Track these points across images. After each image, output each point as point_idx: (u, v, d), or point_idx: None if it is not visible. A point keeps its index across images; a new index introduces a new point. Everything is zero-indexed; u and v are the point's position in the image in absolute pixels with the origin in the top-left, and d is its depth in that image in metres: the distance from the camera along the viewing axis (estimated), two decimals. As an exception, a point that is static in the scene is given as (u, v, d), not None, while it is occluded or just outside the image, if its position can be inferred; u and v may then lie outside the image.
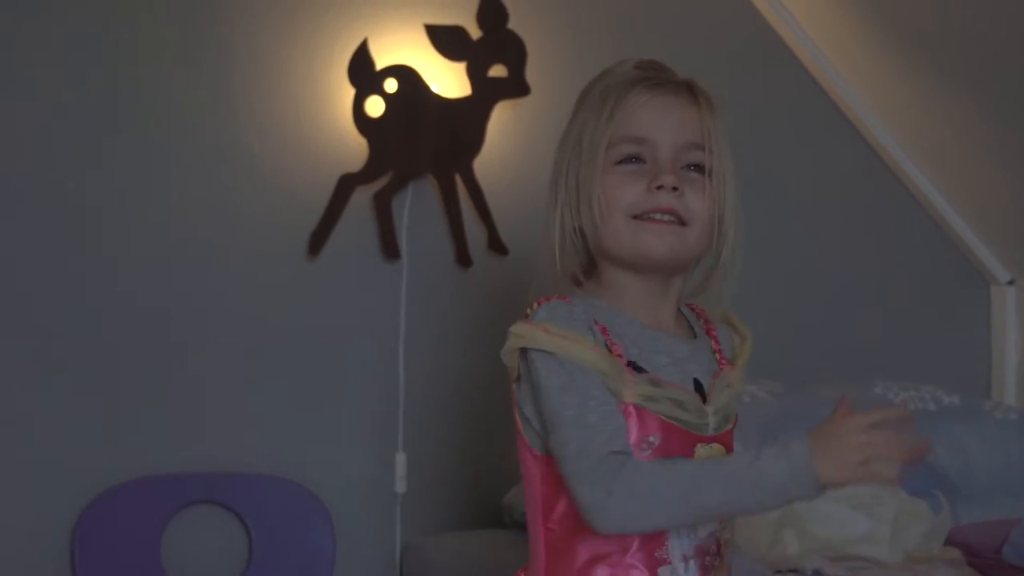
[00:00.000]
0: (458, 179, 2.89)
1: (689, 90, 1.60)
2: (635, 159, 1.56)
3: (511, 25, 2.91)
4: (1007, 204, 3.18)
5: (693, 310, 1.67)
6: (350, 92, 2.81)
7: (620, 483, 1.43)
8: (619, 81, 1.59)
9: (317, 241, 2.80)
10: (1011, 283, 3.32)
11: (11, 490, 2.60)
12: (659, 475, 1.43)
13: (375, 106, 2.81)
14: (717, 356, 1.61)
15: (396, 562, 2.86)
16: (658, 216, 1.54)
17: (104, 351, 2.67)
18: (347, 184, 2.81)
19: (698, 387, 1.56)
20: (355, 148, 2.82)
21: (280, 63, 2.79)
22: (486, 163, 2.91)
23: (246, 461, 2.76)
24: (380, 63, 2.82)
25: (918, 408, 2.82)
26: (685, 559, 1.50)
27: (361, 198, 2.84)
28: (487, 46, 2.89)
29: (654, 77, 1.59)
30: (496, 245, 2.93)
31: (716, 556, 1.53)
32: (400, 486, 2.86)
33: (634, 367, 1.52)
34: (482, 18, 2.89)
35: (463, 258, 2.90)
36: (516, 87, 2.91)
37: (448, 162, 2.87)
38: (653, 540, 1.50)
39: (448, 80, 2.88)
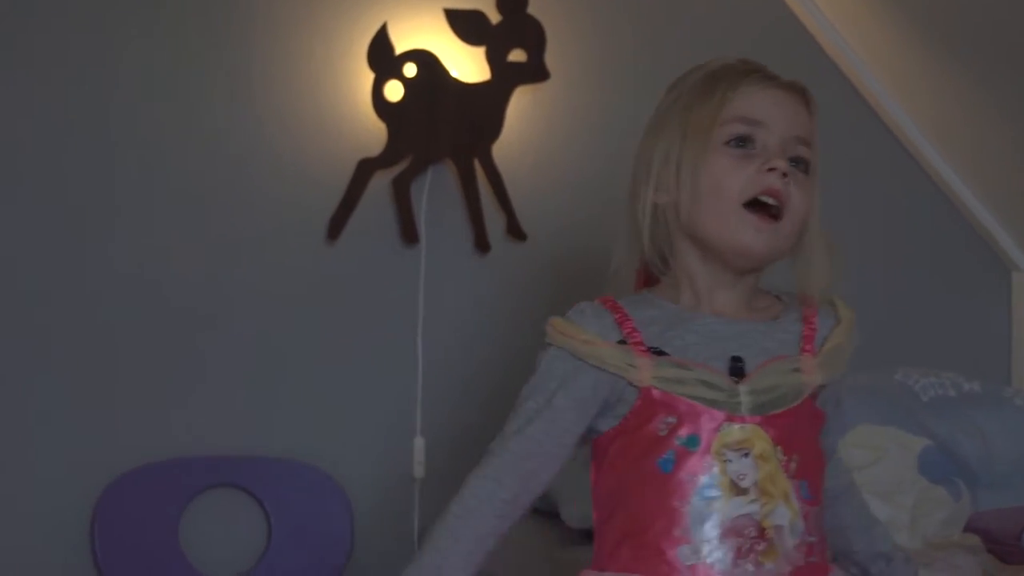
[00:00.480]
0: (477, 164, 2.88)
1: (798, 89, 1.60)
2: (745, 140, 1.55)
3: (530, 10, 2.90)
4: (1028, 190, 3.17)
5: (800, 298, 1.65)
6: (369, 77, 2.80)
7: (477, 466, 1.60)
8: (726, 69, 1.59)
9: (336, 226, 2.80)
10: (1032, 270, 3.31)
11: (31, 474, 2.61)
12: (460, 505, 1.60)
13: (394, 91, 2.81)
14: (802, 341, 1.60)
15: (414, 546, 2.87)
16: (764, 199, 1.53)
17: (125, 335, 2.68)
18: (366, 169, 2.81)
19: (736, 364, 1.55)
20: (374, 133, 2.82)
21: (299, 47, 2.79)
22: (505, 148, 2.91)
23: (265, 445, 2.76)
24: (399, 48, 2.82)
25: (939, 395, 2.81)
26: (708, 539, 1.50)
27: (380, 183, 2.84)
28: (506, 30, 2.89)
29: (765, 71, 1.59)
30: (515, 230, 2.93)
31: (758, 540, 1.51)
32: (418, 471, 2.87)
33: (656, 352, 1.52)
34: (501, 2, 2.89)
35: (481, 243, 2.90)
36: (535, 72, 2.90)
37: (467, 147, 2.87)
38: (671, 518, 1.50)
39: (467, 65, 2.88)
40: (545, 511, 2.78)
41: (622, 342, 1.54)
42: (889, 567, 1.67)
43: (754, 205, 1.54)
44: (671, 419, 1.51)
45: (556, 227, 2.99)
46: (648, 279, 1.65)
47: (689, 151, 1.55)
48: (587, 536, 2.54)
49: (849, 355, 1.63)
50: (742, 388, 1.52)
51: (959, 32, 2.96)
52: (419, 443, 2.87)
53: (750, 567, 1.49)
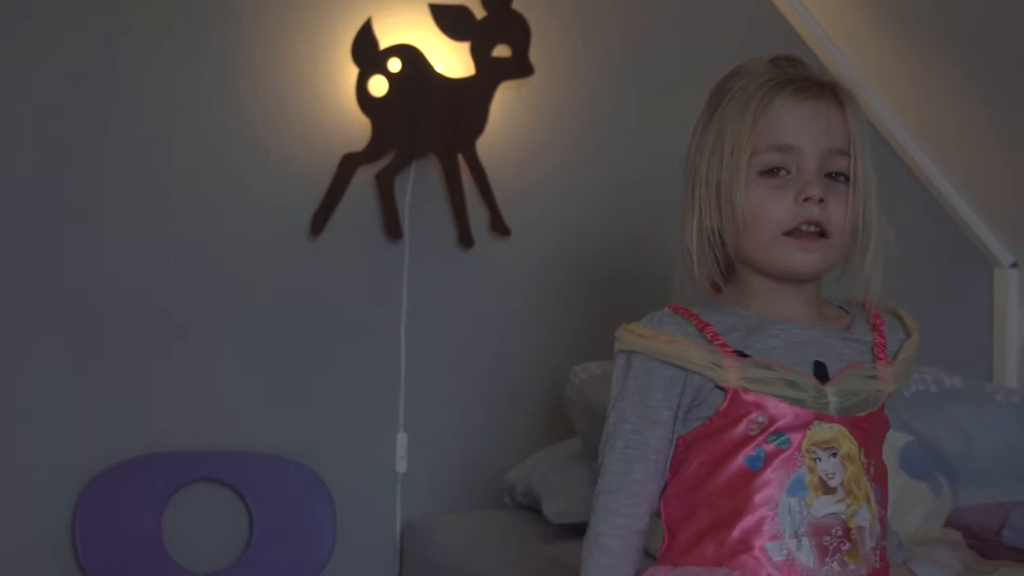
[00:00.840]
0: (461, 159, 2.88)
1: (832, 91, 1.59)
2: (779, 169, 1.55)
3: (515, 5, 2.90)
4: (1012, 187, 3.17)
5: (863, 306, 1.66)
6: (353, 71, 2.80)
7: (593, 516, 1.57)
8: (761, 83, 1.57)
9: (319, 221, 2.80)
10: (1014, 266, 3.31)
11: (13, 468, 2.61)
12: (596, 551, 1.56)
13: (378, 86, 2.81)
14: (875, 351, 1.61)
15: (396, 541, 2.87)
16: (804, 227, 1.54)
17: (107, 331, 2.67)
18: (350, 164, 2.81)
19: (820, 369, 1.56)
20: (358, 128, 2.82)
21: (284, 42, 2.79)
22: (489, 144, 2.91)
23: (247, 440, 2.76)
24: (384, 43, 2.81)
25: (920, 390, 2.82)
26: (797, 536, 1.50)
27: (364, 178, 2.83)
28: (491, 26, 2.89)
29: (797, 79, 1.58)
30: (498, 226, 2.93)
31: (843, 540, 1.52)
32: (401, 465, 2.87)
33: (740, 355, 1.54)
34: (486, -2, 2.89)
35: (465, 239, 2.90)
36: (520, 67, 2.90)
37: (451, 142, 2.87)
38: (760, 514, 1.51)
39: (452, 60, 2.88)
40: (525, 506, 2.79)
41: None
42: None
43: (795, 231, 1.55)
44: (762, 419, 1.52)
45: (540, 223, 2.99)
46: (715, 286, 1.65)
47: (726, 181, 1.56)
48: (568, 531, 2.55)
49: (913, 368, 1.65)
50: (829, 389, 1.54)
51: (946, 33, 2.96)
52: (402, 438, 2.87)
53: (836, 566, 1.51)
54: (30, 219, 2.63)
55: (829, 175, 1.56)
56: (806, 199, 1.53)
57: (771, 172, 1.55)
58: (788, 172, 1.55)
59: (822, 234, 1.55)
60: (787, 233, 1.54)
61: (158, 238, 2.71)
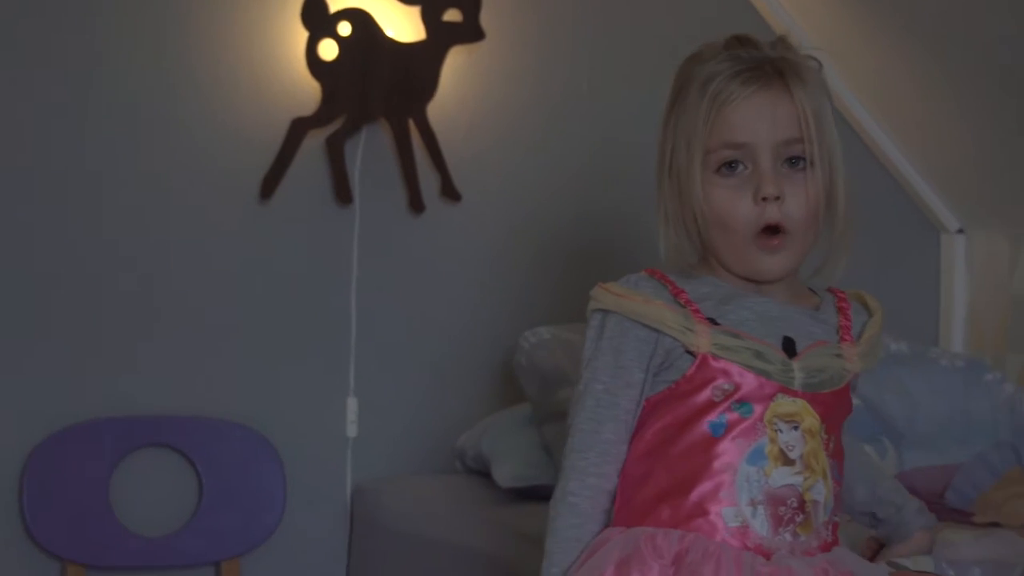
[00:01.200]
0: (411, 124, 2.88)
1: (780, 75, 1.58)
2: (736, 164, 1.55)
3: (465, -31, 2.89)
4: (959, 154, 3.20)
5: (831, 291, 1.67)
6: (303, 35, 2.79)
7: (562, 475, 1.56)
8: (711, 75, 1.56)
9: (269, 185, 2.79)
10: (961, 231, 3.34)
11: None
12: (561, 507, 1.56)
13: (328, 49, 2.79)
14: (840, 332, 1.63)
15: (347, 505, 2.87)
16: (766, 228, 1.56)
17: (54, 294, 2.65)
18: (300, 128, 2.80)
19: (789, 344, 1.57)
20: (308, 91, 2.80)
21: (233, 5, 2.77)
22: (440, 108, 2.90)
23: (197, 405, 2.76)
24: (334, 6, 2.80)
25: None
26: (753, 504, 1.52)
27: (314, 142, 2.82)
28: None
29: (746, 68, 1.57)
30: (449, 191, 2.92)
31: (798, 511, 1.53)
32: (351, 430, 2.87)
33: (712, 322, 1.55)
34: (437, -39, 2.88)
35: (416, 203, 2.90)
36: (471, 32, 2.89)
37: (401, 107, 2.86)
38: (718, 480, 1.52)
39: (402, 24, 2.87)
40: (475, 470, 2.80)
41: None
42: (899, 514, 1.71)
43: (760, 233, 1.56)
44: (727, 386, 1.53)
45: (490, 188, 2.99)
46: None
47: (685, 170, 1.56)
48: (517, 496, 2.57)
49: (880, 351, 1.66)
50: (796, 364, 1.55)
51: (900, 6, 2.98)
52: (352, 403, 2.87)
53: (788, 537, 1.52)
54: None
55: (789, 161, 1.57)
56: (764, 198, 1.54)
57: (729, 167, 1.56)
58: (745, 167, 1.56)
59: (786, 231, 1.56)
60: (755, 235, 1.56)
61: (104, 202, 2.69)
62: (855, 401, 1.67)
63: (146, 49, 2.71)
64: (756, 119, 1.55)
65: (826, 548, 1.56)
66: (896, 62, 3.12)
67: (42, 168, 2.65)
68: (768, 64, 1.57)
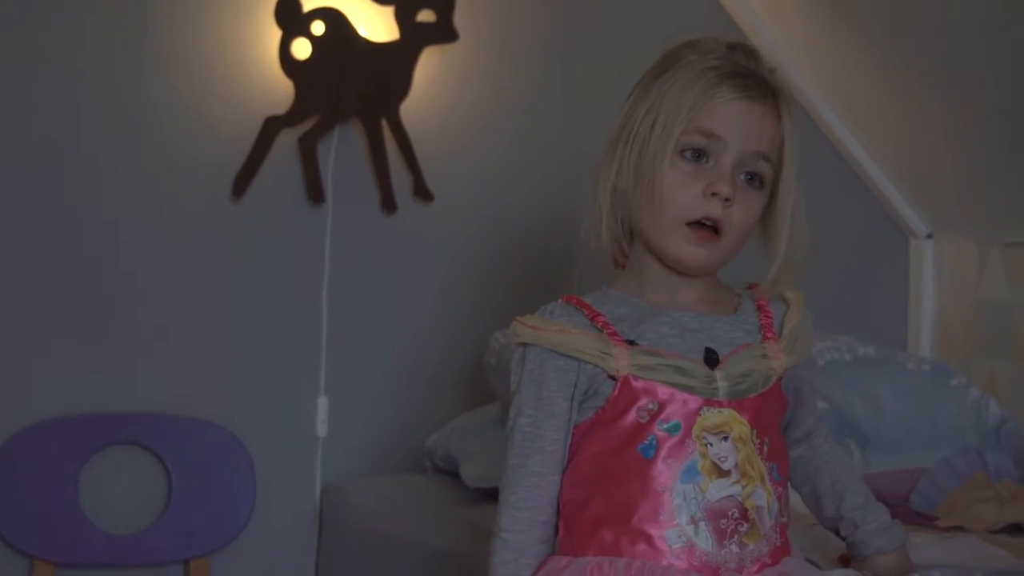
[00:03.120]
0: (384, 124, 2.88)
1: (774, 98, 1.59)
2: (701, 153, 1.56)
3: (440, -30, 2.90)
4: (927, 158, 3.22)
5: (750, 288, 1.68)
6: (277, 34, 2.79)
7: (497, 510, 1.59)
8: (709, 66, 1.57)
9: (241, 183, 2.79)
10: (930, 237, 3.37)
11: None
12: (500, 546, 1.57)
13: (302, 48, 2.80)
14: (762, 331, 1.63)
15: (316, 505, 2.88)
16: (704, 221, 1.56)
17: (26, 290, 2.65)
18: (272, 126, 2.80)
19: (711, 355, 1.58)
20: (281, 90, 2.80)
21: (207, 4, 2.77)
22: (413, 109, 2.90)
23: (167, 402, 2.75)
24: (307, 5, 2.80)
25: (834, 359, 2.86)
26: (693, 521, 1.52)
27: (286, 141, 2.82)
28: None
29: (745, 74, 1.58)
30: (421, 191, 2.93)
31: (741, 521, 1.54)
32: (321, 429, 2.87)
33: (630, 343, 1.55)
34: (411, -38, 2.88)
35: (388, 204, 2.90)
36: (444, 32, 2.90)
37: (375, 107, 2.87)
38: (656, 503, 1.52)
39: (376, 24, 2.87)
40: (445, 470, 2.81)
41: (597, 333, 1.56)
42: (856, 532, 1.71)
43: (694, 224, 1.56)
44: (652, 406, 1.53)
45: (463, 189, 3.00)
46: (619, 260, 1.66)
47: (651, 149, 1.56)
48: (485, 495, 2.58)
49: (809, 339, 1.67)
50: (719, 374, 1.55)
51: (870, 15, 3.00)
52: (323, 402, 2.88)
53: (735, 548, 1.53)
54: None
55: (747, 174, 1.58)
56: (713, 194, 1.55)
57: (691, 154, 1.56)
58: (707, 160, 1.56)
59: (717, 231, 1.57)
60: (688, 224, 1.56)
61: (76, 199, 2.69)
62: (821, 404, 1.69)
63: (119, 47, 2.71)
64: (739, 121, 1.56)
65: (777, 553, 1.57)
66: (866, 68, 3.14)
67: (22, 165, 2.64)
68: (763, 81, 1.59)
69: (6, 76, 2.62)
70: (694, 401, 1.54)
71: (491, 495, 2.59)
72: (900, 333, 3.37)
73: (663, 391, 1.53)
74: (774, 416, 1.62)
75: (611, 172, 1.60)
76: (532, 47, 3.07)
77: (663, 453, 1.53)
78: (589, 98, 3.05)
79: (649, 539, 1.52)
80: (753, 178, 1.58)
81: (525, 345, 1.59)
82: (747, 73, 1.58)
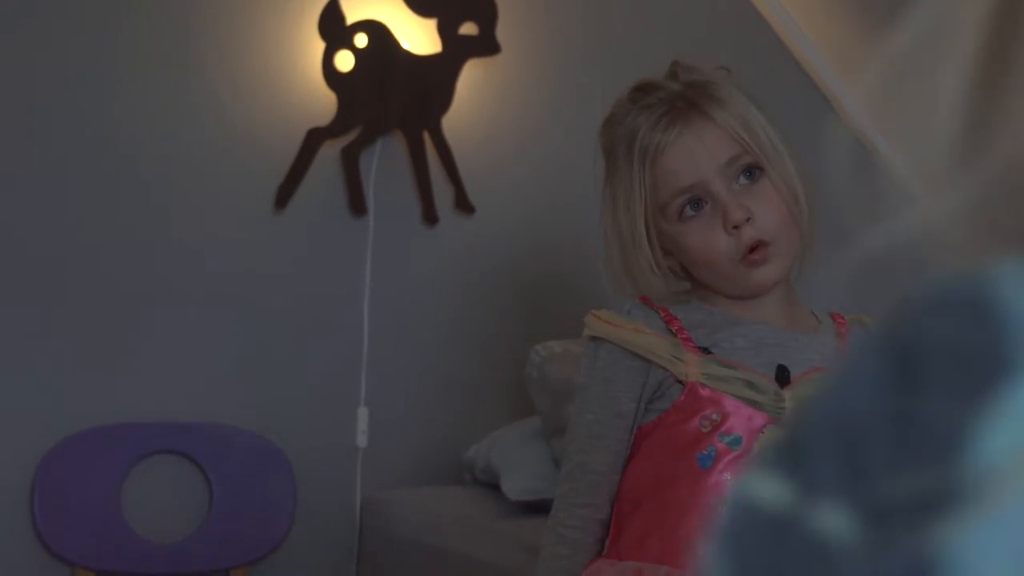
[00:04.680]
0: (426, 136, 2.89)
1: (694, 105, 1.58)
2: (695, 204, 1.55)
3: (483, -17, 2.91)
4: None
5: (832, 316, 1.67)
6: (320, 46, 2.80)
7: (554, 504, 1.57)
8: (633, 131, 1.56)
9: (284, 194, 2.80)
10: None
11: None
12: (551, 547, 1.55)
13: (345, 61, 2.81)
14: (839, 355, 1.61)
15: (356, 516, 2.88)
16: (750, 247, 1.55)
17: (70, 299, 2.67)
18: (315, 138, 2.81)
19: (783, 373, 1.57)
20: (324, 102, 2.82)
21: (251, 16, 2.78)
22: (455, 121, 2.91)
23: (209, 412, 2.77)
24: (351, 18, 2.81)
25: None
26: None
27: (329, 152, 2.84)
28: (458, 3, 2.89)
29: (663, 114, 1.55)
30: (463, 204, 2.93)
31: None
32: (361, 440, 2.88)
33: (703, 351, 1.54)
34: (454, -25, 2.89)
35: (429, 216, 2.91)
36: (486, 45, 2.91)
37: (417, 119, 2.88)
38: (709, 515, 1.51)
39: (418, 36, 2.88)
40: (485, 482, 2.81)
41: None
42: None
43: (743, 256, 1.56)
44: (715, 416, 1.52)
45: (504, 201, 3.00)
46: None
47: (633, 239, 1.56)
48: (526, 509, 2.57)
49: None
50: (787, 394, 1.54)
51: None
52: (363, 413, 2.88)
53: None
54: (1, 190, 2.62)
55: (743, 175, 1.56)
56: (734, 227, 1.54)
57: (690, 208, 1.55)
58: (704, 203, 1.55)
59: (768, 243, 1.55)
60: (737, 261, 1.55)
61: (120, 209, 2.71)
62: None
63: (164, 58, 2.73)
64: (691, 157, 1.54)
65: None
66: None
67: (54, 176, 2.66)
68: (679, 100, 1.56)
69: (48, 86, 2.64)
70: (760, 418, 1.52)
71: (533, 508, 2.60)
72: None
73: (730, 403, 1.52)
74: None
75: (642, 258, 1.59)
76: (573, 59, 3.07)
77: (720, 465, 1.52)
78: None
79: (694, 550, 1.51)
80: (751, 173, 1.56)
81: (597, 340, 1.58)
82: (663, 107, 1.56)
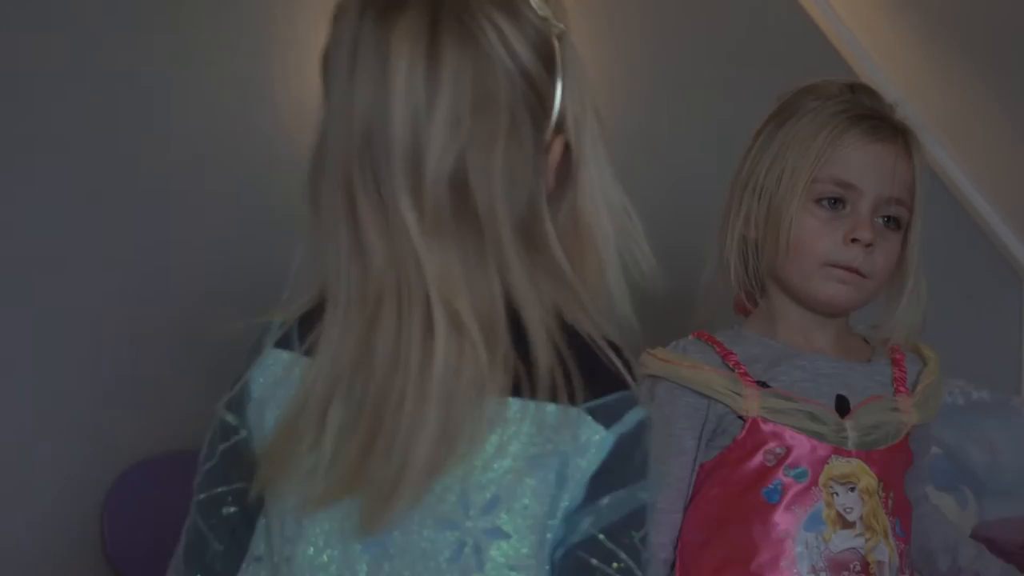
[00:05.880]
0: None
1: (903, 137, 1.58)
2: (837, 201, 1.55)
3: (544, 7, 2.90)
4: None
5: (884, 341, 1.67)
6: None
7: None
8: (834, 111, 1.57)
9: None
10: (1043, 279, 3.31)
11: (44, 459, 2.62)
12: None
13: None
14: (895, 384, 1.61)
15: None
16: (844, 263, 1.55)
17: (143, 321, 2.68)
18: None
19: (842, 403, 1.56)
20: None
21: (283, 28, 2.78)
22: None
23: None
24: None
25: (948, 402, 2.82)
26: (814, 571, 1.50)
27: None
28: None
29: (871, 117, 1.57)
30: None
31: (862, 574, 1.52)
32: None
33: (762, 385, 1.53)
34: None
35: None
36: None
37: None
38: (777, 549, 1.51)
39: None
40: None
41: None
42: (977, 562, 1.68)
43: (837, 264, 1.55)
44: (779, 450, 1.52)
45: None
46: (742, 306, 1.65)
47: (779, 199, 1.56)
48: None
49: (939, 401, 1.64)
50: (848, 424, 1.54)
51: (972, 32, 2.96)
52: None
53: None
54: (56, 207, 2.64)
55: (884, 218, 1.56)
56: (854, 240, 1.54)
57: (828, 202, 1.55)
58: (844, 206, 1.55)
59: (863, 275, 1.55)
60: (830, 264, 1.55)
61: (187, 234, 2.72)
62: (935, 450, 1.66)
63: (194, 70, 2.71)
64: (873, 167, 1.55)
65: None
66: (976, 104, 3.10)
67: (110, 194, 2.68)
68: (891, 117, 1.58)
69: (79, 99, 2.65)
70: (823, 448, 1.52)
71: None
72: (1015, 378, 3.30)
73: (792, 436, 1.52)
74: (900, 471, 1.60)
75: (739, 221, 1.59)
76: (635, 77, 3.05)
77: (787, 499, 1.51)
78: (696, 128, 3.03)
79: None
80: (890, 220, 1.57)
81: (655, 378, 1.57)
82: (873, 115, 1.57)
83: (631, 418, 1.13)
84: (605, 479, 1.12)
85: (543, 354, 1.10)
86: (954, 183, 3.27)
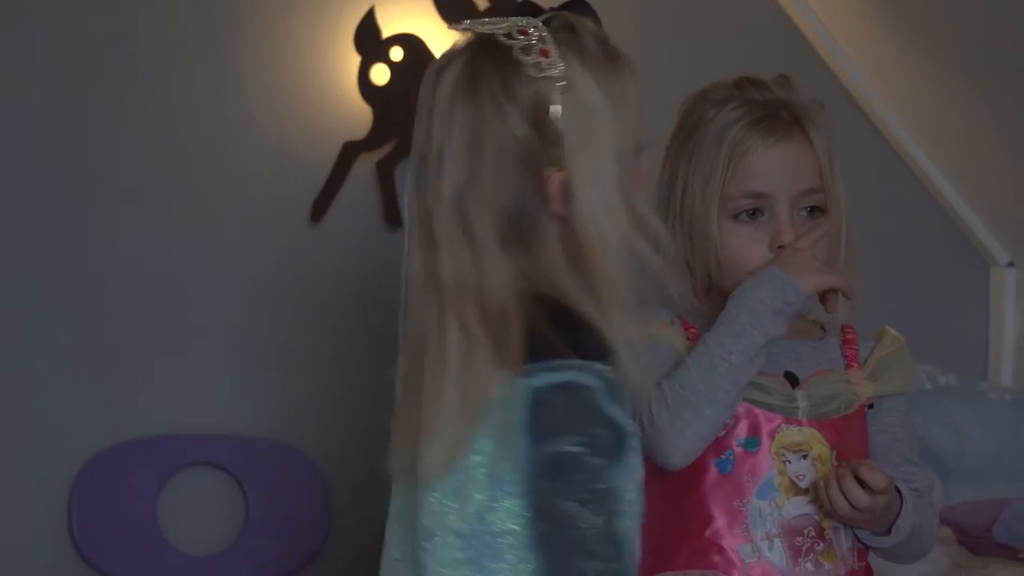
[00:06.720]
0: (462, 149, 2.89)
1: (799, 125, 1.58)
2: (754, 212, 1.56)
3: (518, -4, 2.91)
4: (1009, 186, 3.18)
5: (842, 327, 1.68)
6: (356, 60, 2.81)
7: (653, 408, 1.50)
8: (728, 123, 1.57)
9: (320, 207, 2.81)
10: (1011, 265, 3.32)
11: (7, 451, 2.62)
12: (680, 376, 1.50)
13: (380, 74, 2.81)
14: (846, 359, 1.62)
15: (392, 529, 2.87)
16: None
17: (104, 312, 2.68)
18: (351, 151, 2.82)
19: (790, 377, 1.57)
20: (359, 116, 2.82)
21: (286, 30, 2.79)
22: (491, 134, 2.91)
23: (246, 426, 2.77)
24: (386, 31, 2.82)
25: (914, 387, 2.83)
26: (768, 537, 1.51)
27: (365, 165, 2.84)
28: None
29: (765, 116, 1.57)
30: (498, 216, 2.93)
31: (817, 540, 1.53)
32: (398, 454, 2.87)
33: None
34: (489, -12, 2.90)
35: (465, 228, 2.90)
36: (522, 59, 2.90)
37: (452, 132, 2.88)
38: (731, 517, 1.52)
39: (454, 50, 2.88)
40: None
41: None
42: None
43: None
44: (728, 420, 1.53)
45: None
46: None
47: (699, 223, 1.56)
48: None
49: (908, 376, 1.64)
50: (800, 393, 1.55)
51: (944, 25, 2.97)
52: (400, 426, 2.88)
53: (809, 567, 1.53)
54: (26, 201, 2.63)
55: (805, 209, 1.57)
56: (780, 246, 1.55)
57: (746, 215, 1.56)
58: (763, 214, 1.56)
59: None
60: None
61: (155, 222, 2.72)
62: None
63: (199, 73, 2.74)
64: (777, 170, 1.56)
65: (854, 575, 1.55)
66: (945, 94, 3.11)
67: (90, 189, 2.68)
68: (784, 110, 1.57)
69: (84, 103, 2.66)
70: (772, 418, 1.54)
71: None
72: (981, 363, 3.32)
73: (741, 407, 1.53)
74: (855, 441, 1.60)
75: (671, 238, 1.60)
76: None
77: (740, 468, 1.52)
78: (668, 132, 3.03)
79: (722, 552, 1.52)
80: (813, 210, 1.58)
81: None
82: (766, 111, 1.57)
83: (550, 377, 1.27)
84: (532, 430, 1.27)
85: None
86: (921, 169, 3.29)
